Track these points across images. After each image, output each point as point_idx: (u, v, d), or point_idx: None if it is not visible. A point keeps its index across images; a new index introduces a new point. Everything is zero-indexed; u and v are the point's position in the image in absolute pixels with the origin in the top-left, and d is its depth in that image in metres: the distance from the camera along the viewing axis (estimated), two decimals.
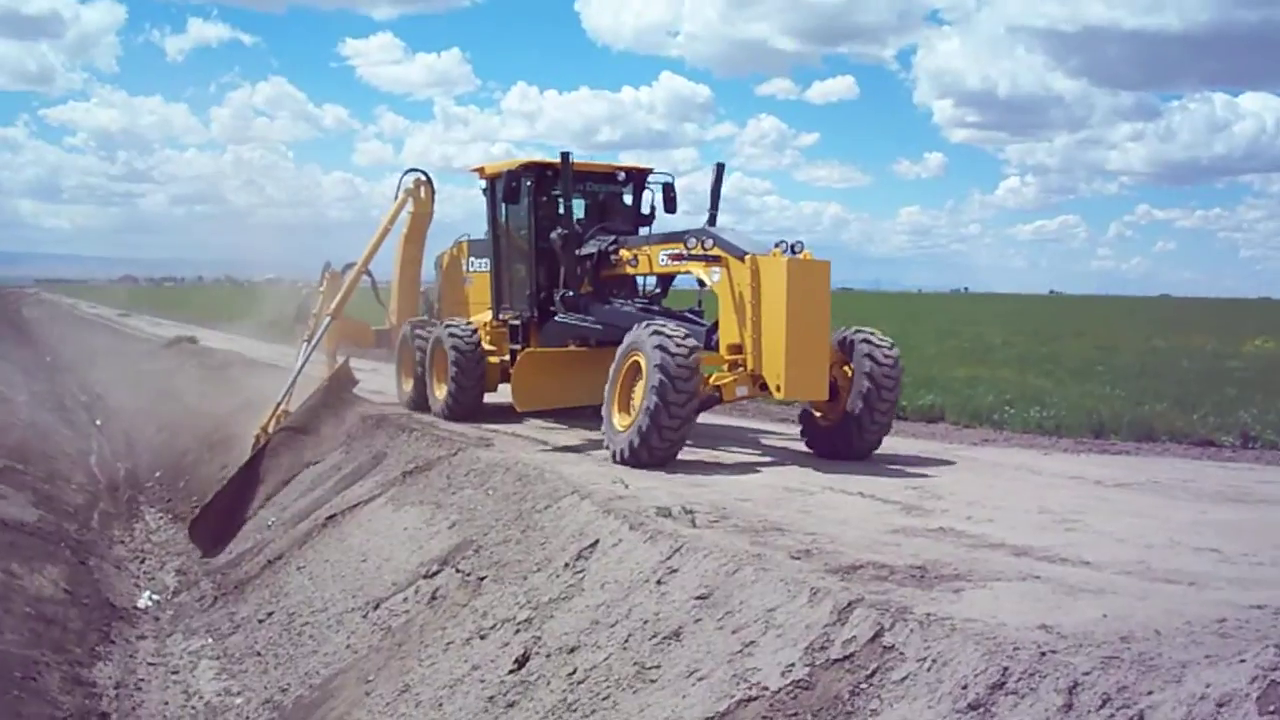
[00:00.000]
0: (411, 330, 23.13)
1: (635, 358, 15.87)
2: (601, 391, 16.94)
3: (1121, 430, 20.43)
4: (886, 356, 16.09)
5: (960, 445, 19.44)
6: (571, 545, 11.96)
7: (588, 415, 18.55)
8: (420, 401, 22.62)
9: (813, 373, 15.47)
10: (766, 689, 8.08)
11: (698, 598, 9.62)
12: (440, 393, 21.76)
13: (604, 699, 9.16)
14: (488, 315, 22.20)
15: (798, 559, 9.97)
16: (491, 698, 10.23)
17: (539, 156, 20.85)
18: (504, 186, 20.45)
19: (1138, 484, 14.81)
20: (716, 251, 16.32)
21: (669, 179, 21.23)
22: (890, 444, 17.34)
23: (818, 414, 16.95)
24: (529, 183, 20.33)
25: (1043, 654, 6.97)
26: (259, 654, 14.81)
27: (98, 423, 37.54)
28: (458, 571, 13.14)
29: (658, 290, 19.99)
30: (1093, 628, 7.49)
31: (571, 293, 19.61)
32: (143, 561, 21.27)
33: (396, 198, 25.23)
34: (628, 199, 21.13)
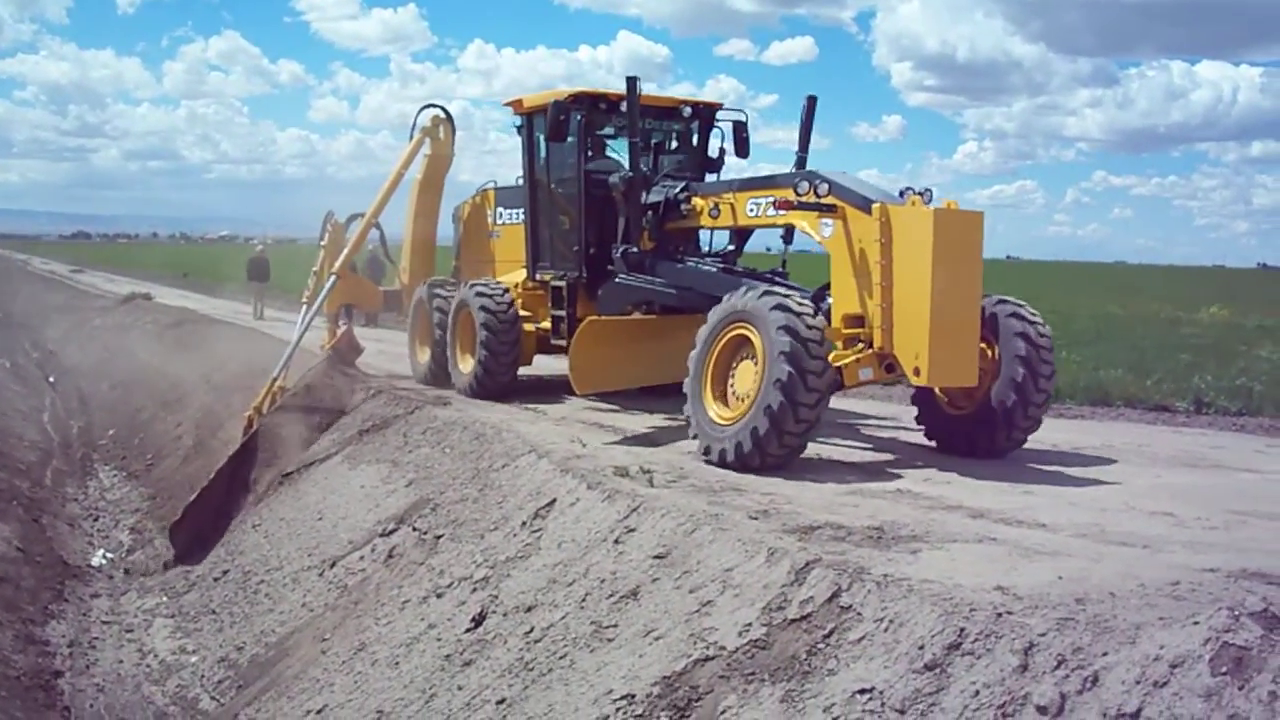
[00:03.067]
0: (429, 292, 20.38)
1: (741, 331, 12.83)
2: (672, 368, 14.82)
3: (1077, 395, 20.59)
4: (1042, 335, 13.20)
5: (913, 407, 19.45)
6: (529, 504, 11.93)
7: (647, 395, 17.17)
8: (440, 375, 19.87)
9: (962, 353, 12.46)
10: (724, 648, 8.10)
11: (655, 557, 9.62)
12: (466, 366, 18.85)
13: (561, 658, 9.17)
14: (520, 275, 19.31)
15: (755, 519, 9.98)
16: (448, 656, 10.24)
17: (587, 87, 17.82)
18: (549, 122, 17.05)
19: (1093, 448, 14.90)
20: (832, 200, 13.04)
21: (742, 117, 18.38)
22: (856, 404, 17.21)
23: (945, 399, 14.06)
24: (579, 117, 17.38)
25: (999, 615, 7.00)
26: (214, 612, 14.82)
27: (50, 380, 37.37)
28: (414, 530, 13.12)
29: (730, 248, 16.70)
30: (1048, 589, 7.53)
31: (635, 249, 16.54)
32: (96, 519, 21.24)
33: (411, 137, 21.81)
34: (692, 140, 18.42)
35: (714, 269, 15.75)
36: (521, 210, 19.31)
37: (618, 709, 8.19)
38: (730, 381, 13.06)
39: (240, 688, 12.71)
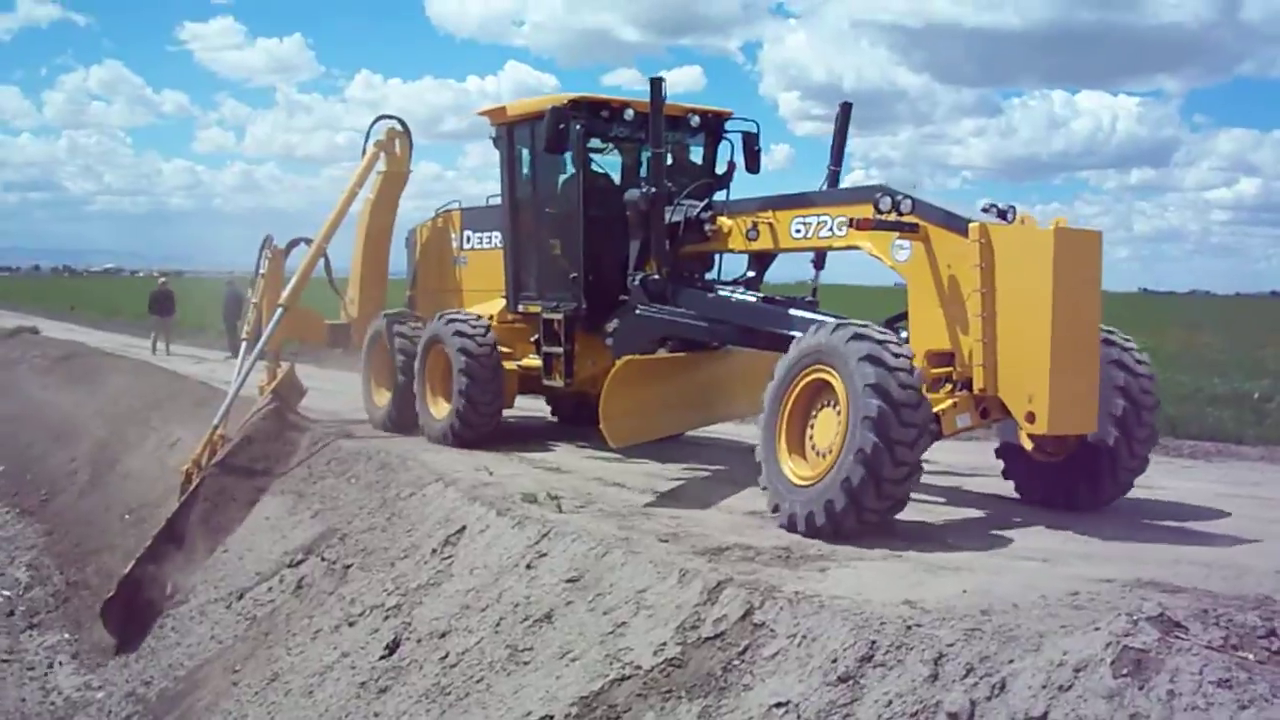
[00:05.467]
0: (389, 326, 18.23)
1: (820, 375, 10.86)
2: (710, 411, 14.40)
3: None
4: (1141, 363, 11.53)
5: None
6: (438, 532, 12.02)
7: (667, 443, 15.06)
8: (403, 421, 17.64)
9: (1084, 395, 10.60)
10: (640, 667, 8.29)
11: (568, 580, 9.79)
12: (439, 411, 16.76)
13: (477, 681, 9.32)
14: (493, 306, 17.20)
15: (666, 542, 10.18)
16: (363, 684, 10.34)
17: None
18: (547, 131, 14.90)
19: (987, 468, 15.16)
20: (914, 218, 11.20)
21: (753, 128, 16.19)
22: None
23: (1030, 445, 12.06)
24: (578, 127, 15.28)
25: (908, 628, 7.25)
26: (119, 648, 14.68)
27: None
28: (323, 560, 13.17)
29: (750, 274, 14.95)
30: (955, 602, 7.80)
31: (656, 276, 14.34)
32: None
33: (365, 152, 19.52)
34: (697, 152, 16.35)
35: (753, 299, 13.87)
36: (494, 234, 17.62)
37: None
38: (810, 432, 11.14)
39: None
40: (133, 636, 15.03)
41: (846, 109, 14.81)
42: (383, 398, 18.43)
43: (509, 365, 16.47)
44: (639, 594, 9.07)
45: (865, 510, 10.14)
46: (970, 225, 10.67)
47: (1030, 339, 10.29)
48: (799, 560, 9.42)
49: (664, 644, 8.36)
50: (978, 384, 10.61)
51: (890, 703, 6.81)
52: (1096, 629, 6.49)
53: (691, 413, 14.93)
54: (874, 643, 7.22)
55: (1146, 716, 5.81)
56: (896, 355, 10.22)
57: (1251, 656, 6.06)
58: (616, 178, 15.99)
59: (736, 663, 7.83)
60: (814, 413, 11.09)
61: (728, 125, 16.22)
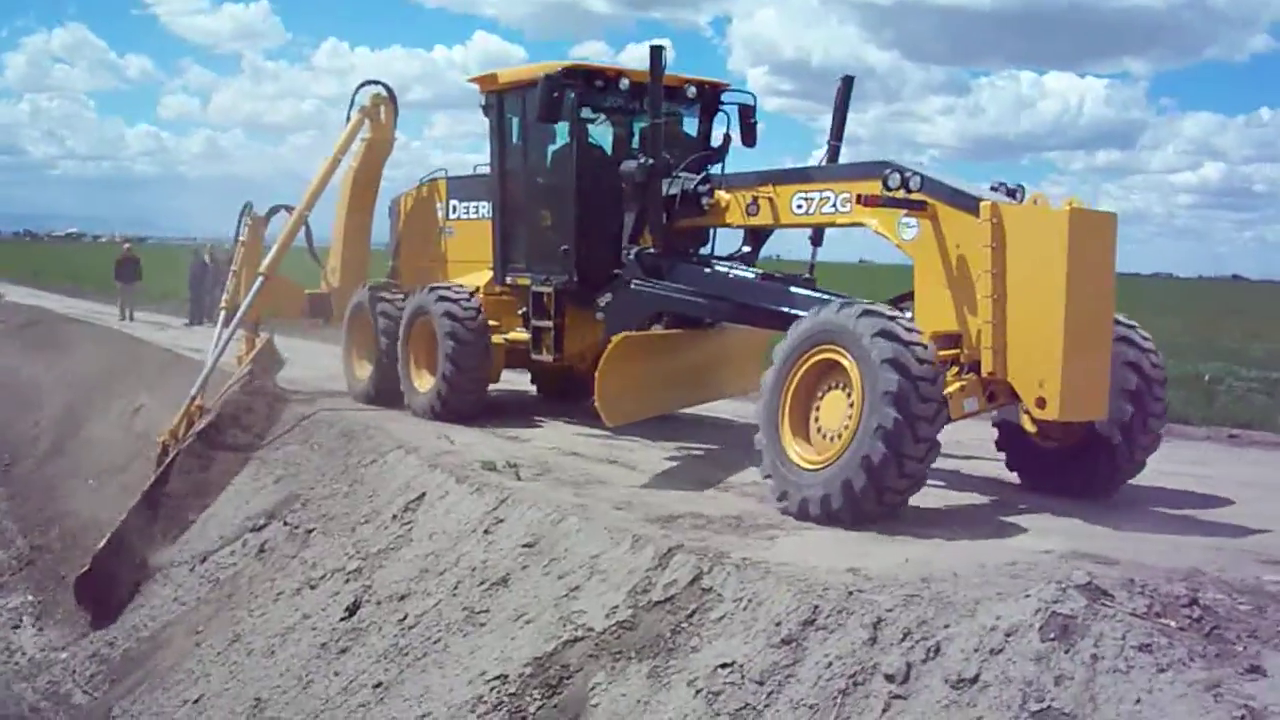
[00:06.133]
0: (371, 297, 17.68)
1: (827, 355, 10.44)
2: (705, 389, 14.30)
3: None
4: (1155, 366, 11.15)
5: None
6: (399, 498, 12.24)
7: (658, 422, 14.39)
8: (385, 394, 17.18)
9: (1095, 381, 10.21)
10: (592, 630, 8.58)
11: (524, 546, 10.04)
12: (424, 384, 16.25)
13: (435, 642, 9.58)
14: (481, 278, 16.64)
15: (620, 510, 10.43)
16: (324, 645, 10.58)
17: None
18: (541, 100, 14.41)
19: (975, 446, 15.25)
20: (922, 196, 10.74)
21: (749, 100, 15.68)
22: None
23: (1033, 430, 11.56)
24: (572, 96, 14.82)
25: (850, 593, 7.55)
26: (93, 623, 14.82)
27: None
28: (285, 524, 13.34)
29: (746, 249, 14.34)
30: (896, 571, 8.07)
31: (652, 251, 13.81)
32: None
33: (349, 119, 18.86)
34: (691, 125, 15.88)
35: (752, 275, 13.49)
36: (481, 204, 17.03)
37: (491, 689, 8.67)
38: (814, 414, 10.66)
39: (113, 682, 12.87)
40: (107, 612, 14.66)
41: (848, 83, 14.18)
42: (364, 370, 17.95)
43: (495, 339, 15.90)
44: (592, 559, 9.34)
45: (886, 490, 9.73)
46: (981, 204, 10.26)
47: (1042, 322, 9.89)
48: (749, 529, 9.71)
49: (616, 607, 8.64)
50: (986, 367, 10.22)
51: (830, 664, 7.12)
52: (1027, 596, 6.81)
53: (685, 391, 14.66)
54: (816, 607, 7.53)
55: (1071, 678, 6.13)
56: (909, 330, 9.93)
57: (1173, 623, 6.37)
58: (608, 149, 15.64)
59: (685, 625, 8.11)
60: (819, 395, 10.62)
61: (723, 97, 15.81)
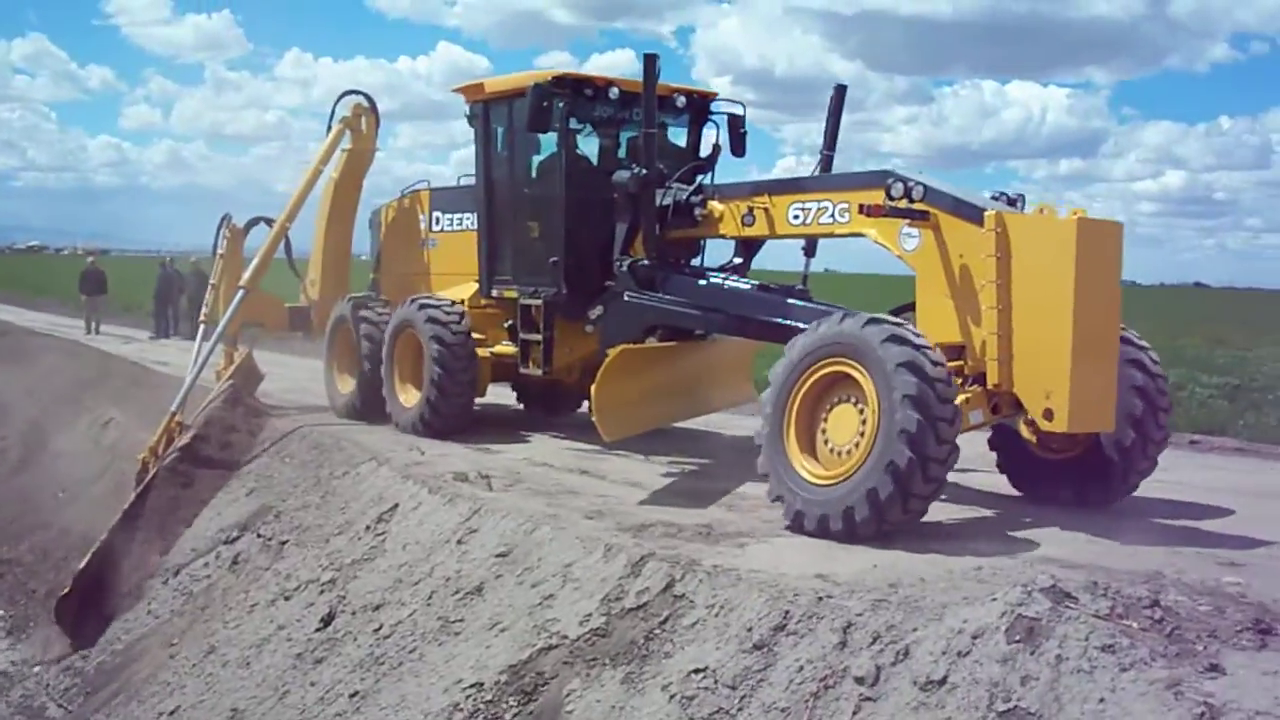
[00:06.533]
0: (354, 310, 17.35)
1: (838, 368, 10.16)
2: (699, 402, 14.22)
3: None
4: (1155, 362, 11.29)
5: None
6: (372, 509, 12.33)
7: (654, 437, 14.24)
8: (368, 409, 16.93)
9: (1104, 393, 10.15)
10: (566, 637, 8.71)
11: (498, 555, 10.15)
12: (409, 399, 16.01)
13: (410, 651, 9.68)
14: (465, 290, 16.39)
15: (591, 519, 10.56)
16: (299, 655, 10.67)
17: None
18: (530, 109, 14.17)
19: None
20: (924, 206, 10.68)
21: (739, 110, 15.60)
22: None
23: (1033, 441, 11.53)
24: (561, 105, 14.60)
25: (820, 599, 7.71)
26: (74, 645, 14.83)
27: None
28: (258, 536, 13.42)
29: (738, 261, 14.25)
30: (865, 576, 8.27)
31: (645, 262, 13.60)
32: None
33: (330, 129, 18.59)
34: (679, 135, 15.64)
35: (748, 286, 13.26)
36: (465, 215, 16.79)
37: (467, 696, 8.77)
38: (821, 430, 10.41)
39: (88, 695, 12.92)
40: (89, 635, 14.32)
41: (841, 92, 14.27)
42: (346, 384, 17.64)
43: (481, 352, 15.66)
44: (566, 568, 9.45)
45: (912, 496, 9.51)
46: (986, 214, 10.17)
47: (1049, 333, 9.80)
48: (719, 537, 9.84)
49: (589, 615, 8.76)
50: (992, 379, 10.13)
51: (801, 668, 7.27)
52: (994, 599, 6.97)
53: (680, 405, 14.51)
54: (787, 613, 7.68)
55: (1036, 678, 6.28)
56: (917, 334, 9.82)
57: (1135, 625, 6.54)
58: (594, 159, 15.42)
59: (658, 632, 8.24)
60: (825, 409, 10.37)
61: (712, 106, 15.65)
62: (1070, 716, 6.01)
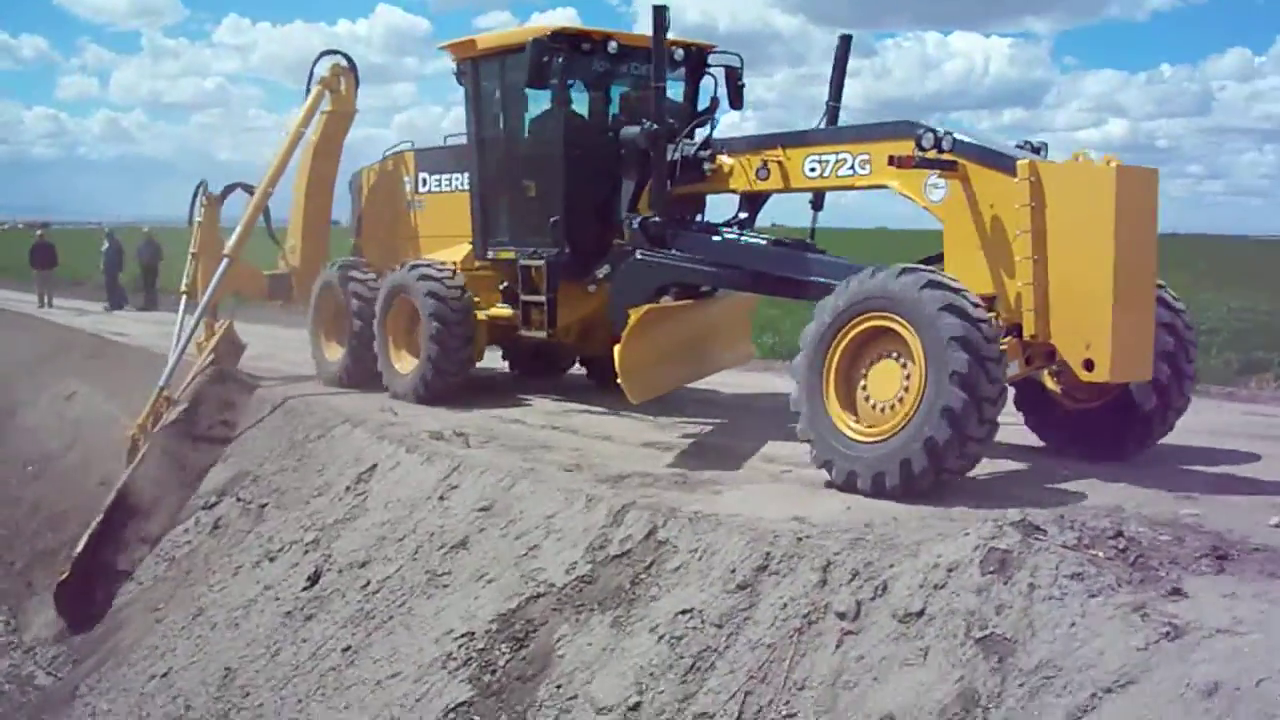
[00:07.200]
0: (342, 275, 16.95)
1: (879, 323, 9.85)
2: (715, 358, 14.12)
3: None
4: (1188, 327, 11.05)
5: None
6: (350, 470, 12.57)
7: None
8: (358, 376, 16.55)
9: (1142, 341, 9.95)
10: (553, 585, 9.04)
11: (480, 510, 10.44)
12: (405, 365, 15.65)
13: (400, 605, 9.98)
14: (456, 253, 15.89)
15: (569, 471, 10.87)
16: (289, 613, 10.93)
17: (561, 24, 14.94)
18: (530, 64, 13.77)
19: None
20: (953, 156, 10.37)
21: (735, 62, 15.14)
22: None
23: (1059, 388, 11.40)
24: (561, 60, 14.21)
25: (799, 539, 8.08)
26: (37, 593, 15.03)
27: None
28: (238, 501, 13.63)
29: (744, 216, 13.60)
30: (839, 517, 8.63)
31: (657, 219, 13.13)
32: None
33: (309, 91, 18.17)
34: (674, 88, 14.60)
35: (762, 242, 13.10)
36: (454, 176, 16.36)
37: (459, 645, 9.11)
38: (862, 387, 10.11)
39: (76, 662, 13.13)
40: (88, 619, 14.04)
41: (846, 41, 13.96)
42: (334, 352, 17.21)
43: (479, 316, 15.30)
44: (548, 519, 9.77)
45: (944, 470, 9.38)
46: (1019, 164, 9.90)
47: (1089, 282, 9.58)
48: (695, 484, 10.18)
49: (575, 563, 9.10)
50: (1028, 330, 9.86)
51: (785, 605, 7.63)
52: (966, 534, 7.35)
53: (695, 363, 14.12)
54: (768, 554, 8.04)
55: (1010, 607, 6.65)
56: (976, 306, 9.43)
57: (1101, 554, 6.92)
58: (585, 115, 15.06)
59: (643, 577, 8.58)
60: (864, 366, 10.08)
61: (709, 59, 15.16)
62: (1043, 641, 6.36)
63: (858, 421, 9.94)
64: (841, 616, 7.35)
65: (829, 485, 9.82)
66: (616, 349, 12.04)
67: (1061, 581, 6.63)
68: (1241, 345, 21.82)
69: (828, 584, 7.60)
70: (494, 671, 8.74)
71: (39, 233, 41.32)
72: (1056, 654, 6.25)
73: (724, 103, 14.95)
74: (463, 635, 9.14)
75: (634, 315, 12.13)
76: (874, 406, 9.89)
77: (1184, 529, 7.77)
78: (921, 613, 7.01)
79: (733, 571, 8.08)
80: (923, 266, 9.89)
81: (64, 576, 14.25)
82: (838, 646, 7.23)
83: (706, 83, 15.08)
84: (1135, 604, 6.30)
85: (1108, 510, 8.22)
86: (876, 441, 9.61)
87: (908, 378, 9.60)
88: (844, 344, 10.00)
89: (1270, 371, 19.29)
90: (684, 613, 8.04)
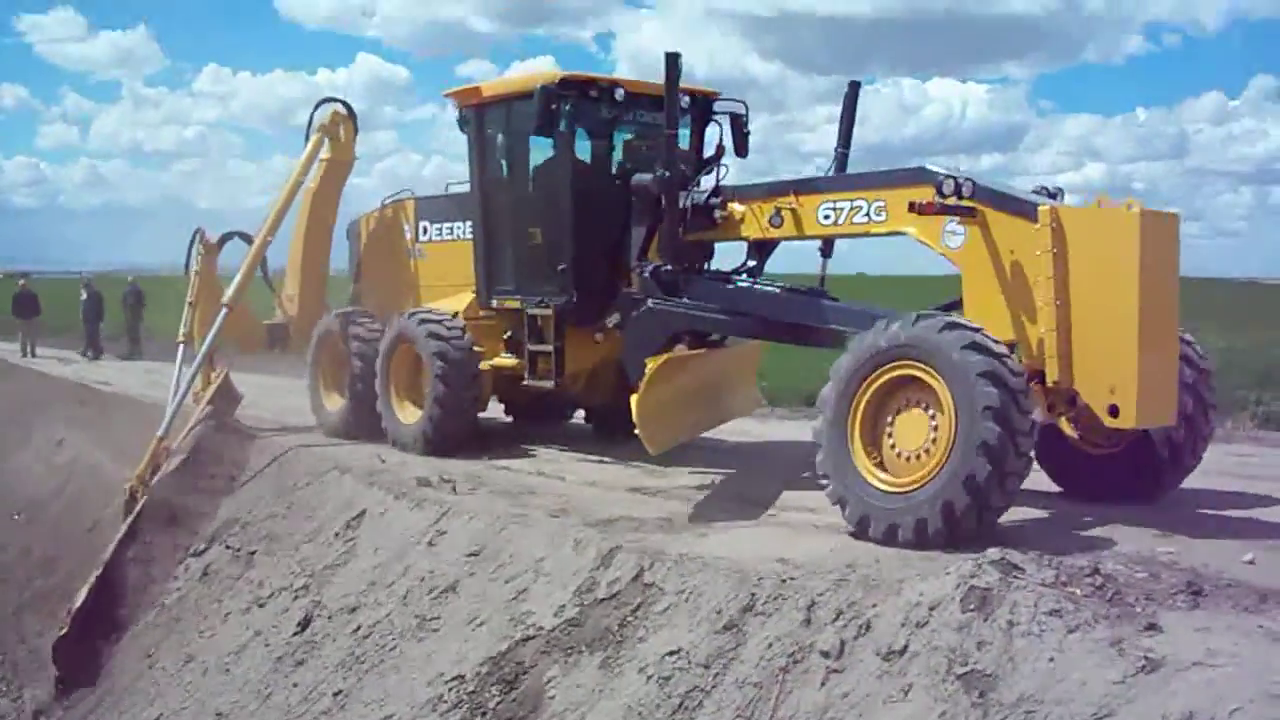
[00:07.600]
0: (343, 324, 16.68)
1: (906, 371, 9.65)
2: (727, 407, 14.10)
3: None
4: (1203, 357, 10.97)
5: None
6: (339, 516, 12.67)
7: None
8: (361, 426, 16.19)
9: (1166, 387, 9.89)
10: (543, 628, 9.16)
11: (469, 554, 10.57)
12: (409, 415, 15.34)
13: (390, 649, 10.10)
14: (459, 302, 15.62)
15: (557, 516, 10.97)
16: (279, 658, 11.03)
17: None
18: (539, 112, 13.65)
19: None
20: (972, 203, 10.26)
21: (740, 109, 15.07)
22: None
23: (1076, 436, 11.22)
24: (569, 107, 14.15)
25: (783, 580, 8.22)
26: (23, 641, 15.08)
27: None
28: (227, 547, 13.71)
29: (752, 263, 13.35)
30: (823, 558, 8.75)
31: (669, 267, 12.99)
32: None
33: (308, 138, 17.99)
34: (683, 134, 14.40)
35: (776, 290, 12.95)
36: (456, 224, 16.23)
37: (450, 688, 9.22)
38: (888, 434, 9.91)
39: (68, 709, 13.21)
40: (86, 675, 13.71)
41: (855, 88, 13.80)
42: (334, 402, 16.98)
43: (484, 366, 15.06)
44: (537, 563, 9.90)
45: (988, 509, 9.15)
46: (1040, 209, 9.78)
47: (1114, 327, 9.48)
48: (680, 528, 10.32)
49: (563, 606, 9.22)
50: (1051, 376, 9.72)
51: (770, 645, 7.77)
52: (947, 573, 7.49)
53: (710, 410, 13.93)
54: (754, 594, 8.19)
55: (991, 643, 6.79)
56: (996, 342, 9.32)
57: (1078, 591, 7.08)
58: (589, 162, 14.96)
59: (631, 619, 8.71)
60: (892, 413, 9.89)
61: (715, 106, 15.04)
62: (1024, 675, 6.49)
63: (880, 469, 9.75)
64: (826, 655, 7.48)
65: (867, 538, 9.43)
66: (634, 399, 11.82)
67: (1040, 618, 6.76)
68: (1221, 384, 21.96)
69: (812, 623, 7.73)
70: (485, 714, 8.85)
71: (21, 282, 41.31)
72: (1037, 688, 6.37)
73: (729, 150, 14.75)
74: (453, 678, 9.26)
75: (651, 365, 11.95)
76: (899, 455, 9.72)
77: (1160, 566, 7.96)
78: (904, 650, 7.15)
79: (719, 612, 8.22)
80: (967, 322, 9.67)
81: (63, 631, 13.96)
82: (823, 684, 7.34)
83: (711, 130, 14.89)
84: (1113, 639, 6.44)
85: (1083, 547, 8.41)
86: (896, 493, 9.45)
87: (935, 430, 9.45)
88: (867, 397, 9.83)
89: (1247, 410, 19.49)
90: (672, 653, 8.17)
